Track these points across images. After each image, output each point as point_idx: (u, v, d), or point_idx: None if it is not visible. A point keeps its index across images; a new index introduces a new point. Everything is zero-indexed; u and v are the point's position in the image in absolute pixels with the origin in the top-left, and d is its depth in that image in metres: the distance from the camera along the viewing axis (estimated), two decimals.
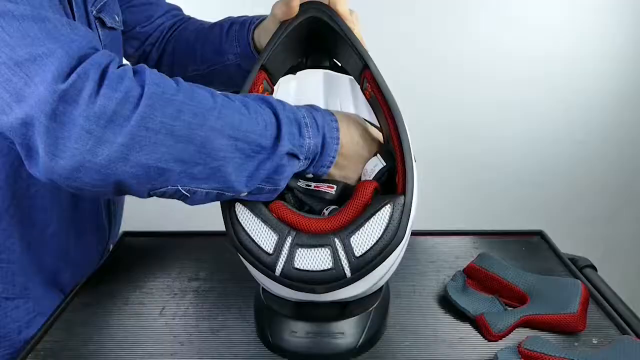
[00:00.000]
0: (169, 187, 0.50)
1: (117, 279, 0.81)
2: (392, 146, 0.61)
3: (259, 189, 0.56)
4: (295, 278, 0.55)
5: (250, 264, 0.57)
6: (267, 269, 0.55)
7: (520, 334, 0.66)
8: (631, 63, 1.69)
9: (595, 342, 0.65)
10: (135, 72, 0.48)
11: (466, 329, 0.68)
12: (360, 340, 0.63)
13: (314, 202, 0.64)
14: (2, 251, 0.69)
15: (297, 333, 0.62)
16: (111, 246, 0.90)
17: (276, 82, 0.70)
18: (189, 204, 0.55)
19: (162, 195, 0.52)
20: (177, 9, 0.96)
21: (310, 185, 0.64)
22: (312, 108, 0.60)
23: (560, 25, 1.65)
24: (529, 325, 0.67)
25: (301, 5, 0.67)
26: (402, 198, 0.57)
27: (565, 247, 0.89)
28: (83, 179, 0.47)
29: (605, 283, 0.79)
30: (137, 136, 0.46)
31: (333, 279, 0.55)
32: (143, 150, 0.46)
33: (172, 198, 0.53)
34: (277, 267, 0.55)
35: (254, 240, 0.56)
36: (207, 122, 0.49)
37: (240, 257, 0.58)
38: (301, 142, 0.56)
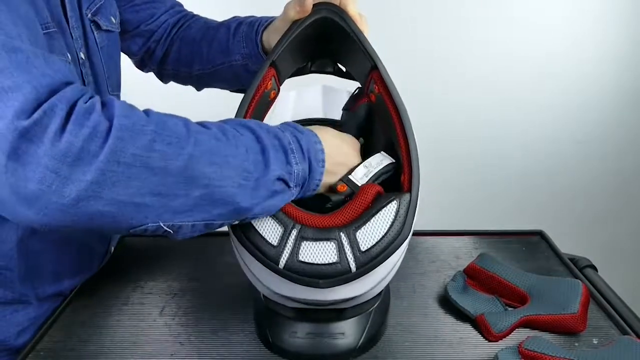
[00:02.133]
0: (149, 224, 0.48)
1: (117, 279, 0.81)
2: (398, 146, 0.61)
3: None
4: (299, 271, 0.55)
5: (254, 256, 0.56)
6: (271, 261, 0.55)
7: (521, 334, 0.66)
8: (631, 63, 1.69)
9: (595, 342, 0.65)
10: (103, 105, 0.46)
11: (466, 329, 0.68)
12: (361, 341, 0.63)
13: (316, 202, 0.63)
14: (0, 258, 0.68)
15: (297, 333, 0.62)
16: (112, 249, 0.90)
17: (282, 82, 0.71)
18: (175, 239, 0.52)
19: (144, 232, 0.49)
20: (179, 4, 0.96)
21: None
22: (295, 130, 0.58)
23: (560, 25, 1.65)
24: (530, 326, 0.67)
25: (313, 5, 0.68)
26: (408, 195, 0.57)
27: (565, 247, 0.89)
28: (51, 221, 0.44)
29: (606, 283, 0.79)
30: (108, 172, 0.43)
31: (338, 273, 0.55)
32: (116, 186, 0.44)
33: (156, 235, 0.50)
34: (282, 259, 0.55)
35: (258, 232, 0.56)
36: (183, 150, 0.47)
37: (244, 251, 0.58)
38: (289, 170, 0.54)
